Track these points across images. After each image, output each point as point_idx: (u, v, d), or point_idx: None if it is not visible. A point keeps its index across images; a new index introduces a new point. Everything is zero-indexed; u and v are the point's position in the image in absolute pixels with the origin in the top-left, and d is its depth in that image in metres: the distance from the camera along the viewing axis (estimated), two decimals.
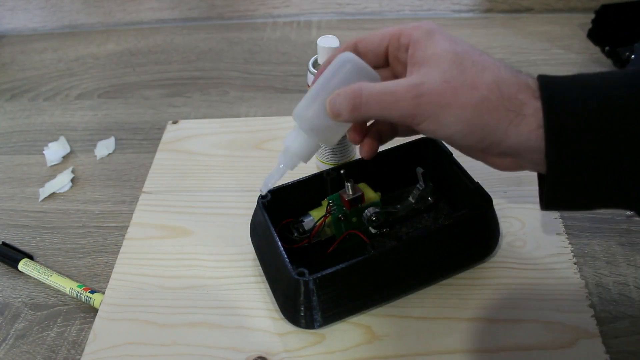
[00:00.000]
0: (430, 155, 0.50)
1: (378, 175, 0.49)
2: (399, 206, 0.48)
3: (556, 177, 0.33)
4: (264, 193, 0.42)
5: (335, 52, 0.39)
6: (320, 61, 0.49)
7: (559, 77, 0.34)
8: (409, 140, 0.49)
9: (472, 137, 0.35)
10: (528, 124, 0.33)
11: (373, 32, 0.40)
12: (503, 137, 0.34)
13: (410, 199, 0.48)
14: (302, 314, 0.41)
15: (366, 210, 0.46)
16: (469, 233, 0.44)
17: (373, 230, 0.47)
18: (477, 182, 0.45)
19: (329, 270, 0.40)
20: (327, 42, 0.48)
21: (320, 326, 0.42)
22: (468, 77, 0.34)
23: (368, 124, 0.42)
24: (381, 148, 0.53)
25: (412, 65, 0.37)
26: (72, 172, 0.62)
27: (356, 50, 0.40)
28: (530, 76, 0.35)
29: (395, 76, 0.40)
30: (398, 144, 0.48)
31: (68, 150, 0.65)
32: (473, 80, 0.34)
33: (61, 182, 0.60)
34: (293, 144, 0.38)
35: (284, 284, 0.42)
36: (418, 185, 0.48)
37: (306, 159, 0.39)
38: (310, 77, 0.50)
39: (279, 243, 0.42)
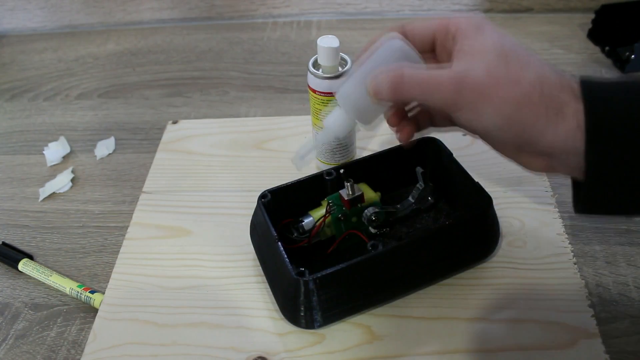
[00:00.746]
0: (430, 155, 0.50)
1: (378, 175, 0.49)
2: (398, 206, 0.48)
3: (595, 179, 0.33)
4: (299, 164, 0.42)
5: (382, 33, 0.39)
6: (321, 61, 0.49)
7: (602, 79, 0.34)
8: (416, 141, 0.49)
9: (508, 132, 0.35)
10: (567, 124, 0.33)
11: (423, 19, 0.41)
12: (540, 135, 0.34)
13: (410, 198, 0.48)
14: (302, 314, 0.41)
15: (366, 210, 0.46)
16: (469, 233, 0.44)
17: (373, 230, 0.47)
18: (477, 182, 0.45)
19: (329, 270, 0.40)
20: (327, 42, 0.48)
21: (320, 326, 0.42)
22: (512, 72, 0.34)
23: (407, 108, 0.42)
24: (380, 148, 0.53)
25: (458, 55, 0.36)
26: (72, 172, 0.62)
27: (403, 32, 0.40)
28: (574, 78, 0.34)
29: (440, 64, 0.40)
30: (398, 144, 0.48)
31: (68, 150, 0.65)
32: (517, 75, 0.34)
33: (61, 182, 0.60)
34: (333, 123, 0.40)
35: (284, 284, 0.42)
36: (418, 185, 0.48)
37: (342, 135, 0.42)
38: (311, 77, 0.50)
39: (279, 243, 0.42)
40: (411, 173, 0.49)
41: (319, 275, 0.40)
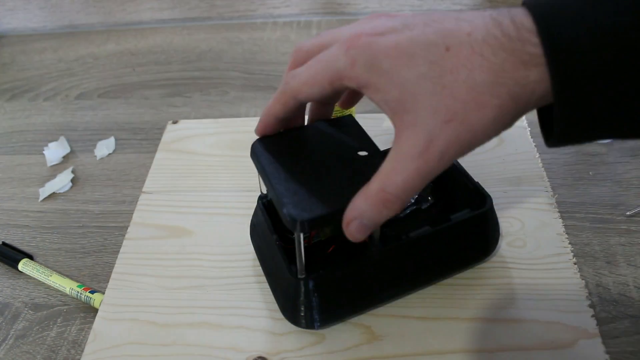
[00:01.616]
0: None
1: None
2: None
3: (566, 113, 0.28)
4: None
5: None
6: None
7: (554, 8, 0.28)
8: None
9: (498, 133, 0.31)
10: (545, 89, 0.28)
11: (305, 77, 0.34)
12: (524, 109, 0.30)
13: (412, 201, 0.48)
14: (302, 314, 0.41)
15: None
16: (469, 233, 0.44)
17: None
18: (477, 182, 0.45)
19: (329, 270, 0.40)
20: None
21: (320, 326, 0.42)
22: (465, 97, 0.29)
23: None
24: (380, 148, 0.53)
25: (392, 117, 0.31)
26: (72, 172, 0.62)
27: (299, 102, 0.36)
28: (522, 30, 0.28)
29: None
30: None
31: (68, 150, 0.65)
32: (472, 97, 0.29)
33: (61, 182, 0.60)
34: None
35: (284, 284, 0.42)
36: None
37: None
38: None
39: (279, 243, 0.42)
40: None
41: (319, 275, 0.40)
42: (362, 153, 0.40)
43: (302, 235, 0.37)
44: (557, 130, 0.29)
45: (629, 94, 0.27)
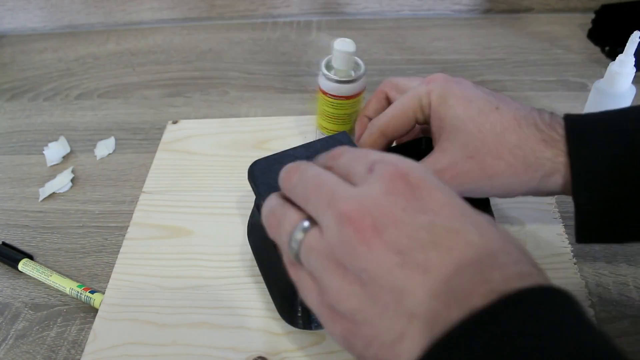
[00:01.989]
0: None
1: None
2: None
3: (586, 218, 0.36)
4: None
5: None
6: (335, 64, 0.48)
7: (586, 119, 0.36)
8: (410, 139, 0.48)
9: (508, 194, 0.38)
10: (556, 181, 0.35)
11: (395, 111, 0.41)
12: (535, 191, 0.37)
13: None
14: (299, 314, 0.41)
15: None
16: None
17: None
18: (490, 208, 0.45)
19: None
20: (344, 46, 0.47)
21: (317, 327, 0.42)
22: (490, 145, 0.35)
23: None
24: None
25: (436, 137, 0.38)
26: (72, 172, 0.62)
27: (387, 139, 0.42)
28: (554, 122, 0.36)
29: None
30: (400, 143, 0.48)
31: (68, 150, 0.65)
32: (496, 148, 0.35)
33: (61, 182, 0.60)
34: None
35: (281, 284, 0.42)
36: None
37: None
38: (322, 79, 0.49)
39: (276, 243, 0.42)
40: None
41: None
42: None
43: None
44: (576, 187, 0.35)
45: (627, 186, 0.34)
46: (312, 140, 0.44)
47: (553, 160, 0.35)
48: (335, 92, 0.49)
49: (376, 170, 0.26)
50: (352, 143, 0.43)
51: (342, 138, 0.43)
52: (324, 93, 0.50)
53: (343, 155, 0.29)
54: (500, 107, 0.37)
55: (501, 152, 0.35)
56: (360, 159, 0.27)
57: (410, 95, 0.40)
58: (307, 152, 0.42)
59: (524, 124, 0.36)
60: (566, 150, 0.34)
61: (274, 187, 0.38)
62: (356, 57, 0.49)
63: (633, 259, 0.47)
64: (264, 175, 0.41)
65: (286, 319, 0.42)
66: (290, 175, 0.29)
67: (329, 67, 0.50)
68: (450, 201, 0.25)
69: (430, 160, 0.38)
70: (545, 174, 0.35)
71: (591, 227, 0.36)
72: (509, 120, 0.36)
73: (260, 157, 0.43)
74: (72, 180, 0.61)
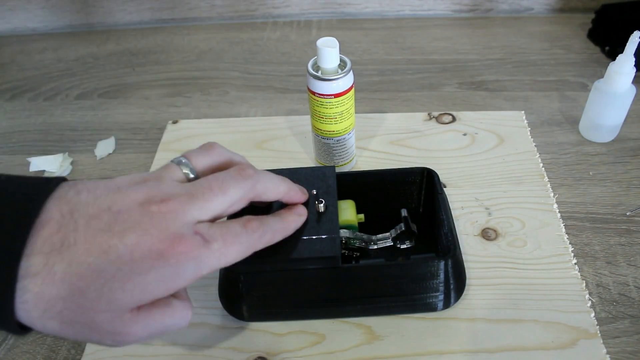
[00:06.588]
0: (425, 185, 0.48)
1: (369, 195, 0.48)
2: (373, 237, 0.47)
3: None
4: None
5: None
6: (320, 63, 0.49)
7: None
8: (409, 167, 0.48)
9: None
10: None
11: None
12: None
13: (389, 234, 0.47)
14: (233, 303, 0.42)
15: (341, 231, 0.44)
16: (425, 277, 0.41)
17: (343, 251, 0.45)
18: (451, 226, 0.43)
19: (257, 268, 0.40)
20: (326, 43, 0.47)
21: (247, 320, 0.43)
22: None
23: None
24: (381, 148, 0.53)
25: None
26: (72, 172, 0.62)
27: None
28: None
29: None
30: (398, 168, 0.48)
31: (68, 150, 0.65)
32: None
33: None
34: None
35: (225, 271, 0.43)
36: (400, 226, 0.46)
37: None
38: (310, 79, 0.49)
39: None
40: (404, 198, 0.48)
41: (248, 270, 0.40)
42: (321, 205, 0.40)
43: None
44: None
45: None
46: (299, 167, 0.44)
47: None
48: (323, 91, 0.49)
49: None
50: (334, 178, 0.43)
51: (327, 171, 0.44)
52: (313, 93, 0.50)
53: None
54: None
55: None
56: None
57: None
58: (293, 176, 0.42)
59: None
60: None
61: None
62: (341, 55, 0.50)
63: (633, 259, 0.47)
64: None
65: (223, 306, 0.44)
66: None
67: (315, 67, 0.50)
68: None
69: None
70: None
71: None
72: None
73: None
74: None
